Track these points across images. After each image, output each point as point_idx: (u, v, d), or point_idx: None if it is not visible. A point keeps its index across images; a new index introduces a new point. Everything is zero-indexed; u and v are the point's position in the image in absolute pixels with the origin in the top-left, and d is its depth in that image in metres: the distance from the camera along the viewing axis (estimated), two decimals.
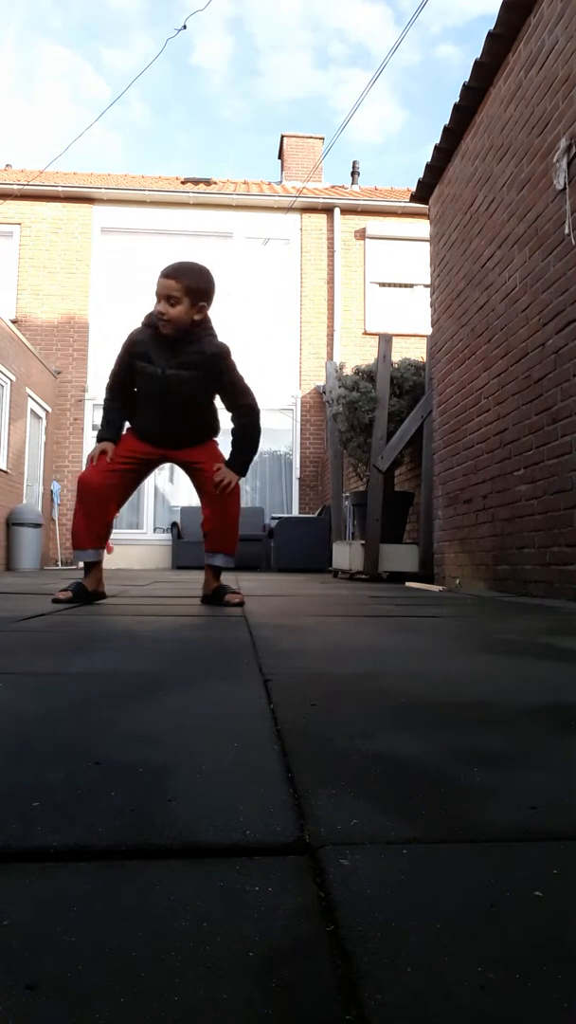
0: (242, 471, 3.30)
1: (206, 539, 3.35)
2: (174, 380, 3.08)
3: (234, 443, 3.33)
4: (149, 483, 10.96)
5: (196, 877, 0.54)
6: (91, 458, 3.23)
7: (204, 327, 3.12)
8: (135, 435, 3.27)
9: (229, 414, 3.31)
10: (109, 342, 12.54)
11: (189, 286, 3.00)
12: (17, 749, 0.88)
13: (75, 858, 0.57)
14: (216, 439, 3.39)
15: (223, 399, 3.28)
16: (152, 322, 3.10)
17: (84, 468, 3.31)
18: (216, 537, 3.32)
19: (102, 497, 3.16)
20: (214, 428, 3.36)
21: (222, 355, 3.14)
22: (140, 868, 0.56)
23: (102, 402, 3.38)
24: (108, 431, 3.28)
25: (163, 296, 3.00)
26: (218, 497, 3.23)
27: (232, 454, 3.31)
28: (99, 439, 3.30)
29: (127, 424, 3.34)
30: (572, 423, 3.79)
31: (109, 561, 11.54)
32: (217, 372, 3.14)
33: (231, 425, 3.33)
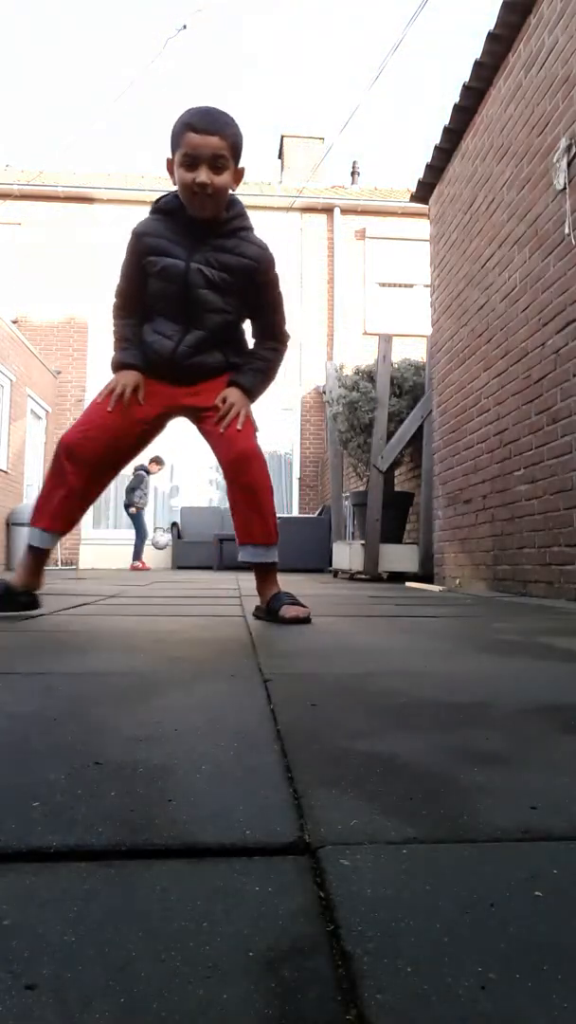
0: (253, 392, 2.44)
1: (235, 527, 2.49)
2: (198, 278, 2.29)
3: (249, 360, 2.49)
4: (149, 483, 10.94)
5: (196, 877, 0.54)
6: (114, 393, 2.34)
7: (238, 212, 2.35)
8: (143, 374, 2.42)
9: (254, 343, 2.55)
10: (109, 342, 12.55)
11: (236, 143, 2.21)
12: (17, 749, 0.88)
13: (75, 858, 0.57)
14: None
15: (256, 322, 2.50)
16: (167, 207, 2.35)
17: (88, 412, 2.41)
18: (237, 517, 2.44)
19: (104, 463, 2.35)
20: (237, 361, 2.48)
21: (268, 264, 2.36)
22: (140, 868, 0.56)
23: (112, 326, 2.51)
24: (132, 354, 2.39)
25: (206, 159, 2.16)
26: (233, 456, 2.36)
27: (242, 370, 2.45)
28: (122, 364, 2.39)
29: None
30: (572, 423, 3.80)
31: (108, 561, 11.57)
32: (257, 285, 2.37)
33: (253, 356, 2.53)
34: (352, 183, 14.76)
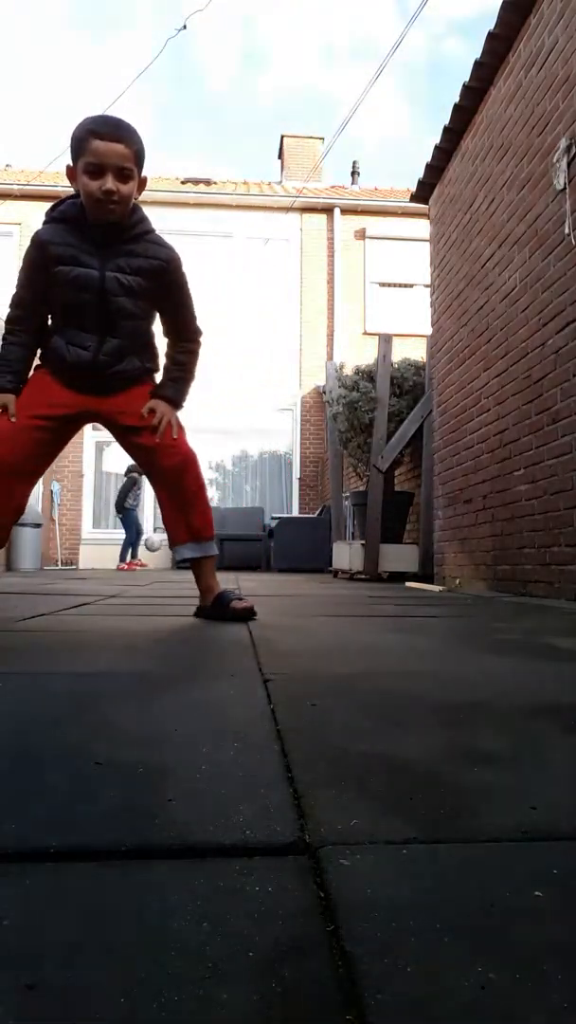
0: (177, 401, 2.51)
1: (168, 530, 2.55)
2: (115, 285, 2.29)
3: (168, 369, 2.55)
4: (147, 482, 10.93)
5: (196, 877, 0.54)
6: None
7: (140, 216, 2.36)
8: (51, 376, 2.40)
9: (167, 344, 2.58)
10: None
11: (140, 152, 2.23)
12: (17, 749, 0.88)
13: (75, 858, 0.57)
14: (154, 381, 2.57)
15: (169, 322, 2.53)
16: (66, 215, 2.32)
17: None
18: (175, 519, 2.50)
19: (5, 472, 2.28)
20: (151, 366, 2.54)
21: (177, 263, 2.40)
22: (140, 868, 0.56)
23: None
24: (7, 377, 2.35)
25: (113, 168, 2.16)
26: (175, 463, 2.43)
27: (163, 382, 2.53)
28: None
29: (35, 362, 2.48)
30: (572, 423, 3.79)
31: (108, 561, 11.57)
32: (167, 285, 2.40)
33: (166, 360, 2.58)
34: (352, 183, 14.75)
